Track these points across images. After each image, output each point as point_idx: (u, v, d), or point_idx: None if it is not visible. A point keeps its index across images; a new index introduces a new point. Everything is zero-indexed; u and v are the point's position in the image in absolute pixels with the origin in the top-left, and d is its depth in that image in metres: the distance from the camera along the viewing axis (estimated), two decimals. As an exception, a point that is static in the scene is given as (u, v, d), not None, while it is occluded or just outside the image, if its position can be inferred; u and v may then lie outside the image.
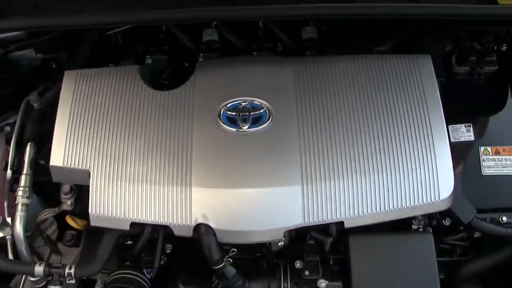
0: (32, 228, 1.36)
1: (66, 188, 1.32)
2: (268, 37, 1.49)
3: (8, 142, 1.44)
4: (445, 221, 1.29)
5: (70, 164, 1.21)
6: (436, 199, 1.15)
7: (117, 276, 1.21)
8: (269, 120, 1.20)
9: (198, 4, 1.25)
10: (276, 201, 1.13)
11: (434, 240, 1.17)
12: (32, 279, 1.29)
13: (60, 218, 1.46)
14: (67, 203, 1.32)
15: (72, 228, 1.41)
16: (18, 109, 1.44)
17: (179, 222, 1.13)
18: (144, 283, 1.21)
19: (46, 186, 1.39)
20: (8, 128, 1.45)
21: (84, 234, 1.39)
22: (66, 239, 1.42)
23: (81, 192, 1.33)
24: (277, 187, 1.13)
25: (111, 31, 1.59)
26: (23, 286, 1.38)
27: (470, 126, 1.35)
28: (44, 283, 1.30)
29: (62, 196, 1.33)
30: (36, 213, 1.37)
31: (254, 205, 1.13)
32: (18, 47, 1.48)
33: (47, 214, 1.36)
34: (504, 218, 1.29)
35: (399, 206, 1.14)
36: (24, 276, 1.39)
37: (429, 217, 1.29)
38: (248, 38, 1.50)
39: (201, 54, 1.44)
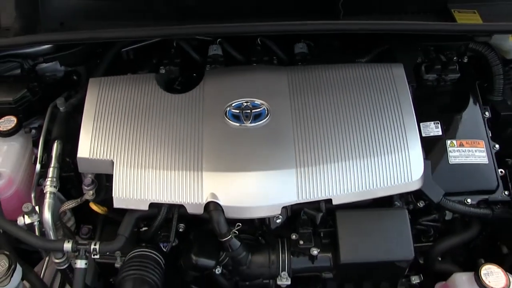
0: (56, 220, 1.53)
1: (88, 180, 1.50)
2: (265, 52, 1.72)
3: (34, 144, 1.64)
4: (419, 203, 1.50)
5: (96, 155, 1.39)
6: (409, 180, 1.36)
7: (135, 253, 1.39)
8: (268, 117, 1.42)
9: (204, 21, 1.49)
10: (274, 182, 1.32)
11: (408, 216, 1.37)
12: (56, 260, 1.44)
13: (77, 212, 1.65)
14: (89, 194, 1.49)
15: (91, 219, 1.59)
16: (43, 114, 1.64)
17: (192, 201, 1.32)
18: (159, 259, 1.39)
19: (67, 181, 1.58)
20: (34, 131, 1.64)
21: (99, 228, 1.57)
22: (83, 232, 1.59)
23: (101, 184, 1.52)
24: (275, 170, 1.34)
25: (126, 48, 1.81)
26: (46, 267, 1.56)
27: (438, 123, 1.57)
28: (66, 265, 1.47)
29: (84, 187, 1.50)
30: (58, 207, 1.54)
31: (256, 185, 1.32)
32: (45, 60, 1.70)
33: (71, 204, 1.53)
34: (469, 200, 1.50)
35: (378, 186, 1.34)
36: (46, 261, 1.57)
37: (407, 202, 1.50)
38: (248, 52, 1.72)
39: (208, 66, 1.66)
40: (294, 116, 1.42)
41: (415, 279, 1.51)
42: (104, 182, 1.52)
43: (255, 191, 1.32)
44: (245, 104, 1.44)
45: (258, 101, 1.44)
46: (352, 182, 1.34)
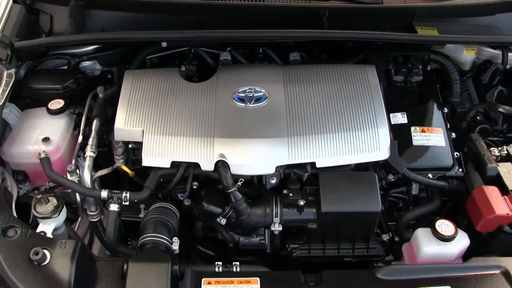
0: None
1: (119, 151, 1.85)
2: (265, 59, 2.12)
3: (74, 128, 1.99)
4: (389, 177, 1.84)
5: (130, 125, 1.75)
6: (377, 150, 1.71)
7: (155, 206, 1.72)
8: (266, 100, 1.80)
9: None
10: (270, 146, 1.68)
11: (377, 179, 1.70)
12: (91, 213, 1.78)
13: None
14: (120, 161, 1.84)
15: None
16: (82, 104, 2.02)
17: (205, 160, 1.66)
18: (175, 211, 1.71)
19: (100, 156, 1.91)
20: (75, 116, 2.01)
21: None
22: (117, 153, 1.83)
23: (128, 157, 1.86)
24: (271, 138, 1.69)
25: (150, 56, 2.21)
26: (80, 222, 1.88)
27: (404, 113, 1.94)
28: (98, 218, 1.80)
29: (116, 157, 1.85)
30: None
31: (256, 149, 1.68)
32: (88, 58, 2.10)
33: (104, 171, 1.86)
34: (430, 175, 1.84)
35: (353, 154, 1.69)
36: (79, 221, 1.89)
37: (379, 178, 1.84)
38: (251, 59, 2.12)
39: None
40: (287, 100, 1.80)
41: (385, 237, 1.82)
42: (131, 156, 1.86)
43: (255, 153, 1.67)
44: (249, 90, 1.82)
45: (259, 89, 1.83)
46: (332, 150, 1.69)
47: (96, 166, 1.88)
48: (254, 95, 1.81)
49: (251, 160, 1.66)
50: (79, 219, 1.90)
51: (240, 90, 1.82)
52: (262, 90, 1.82)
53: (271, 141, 1.69)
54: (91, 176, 1.77)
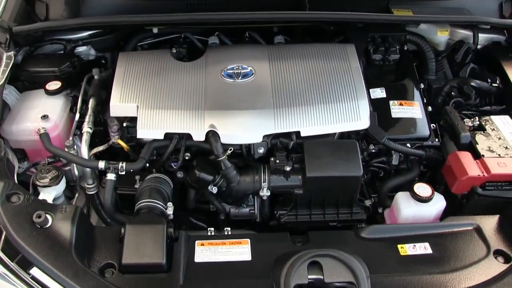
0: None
1: (114, 128, 1.94)
2: (252, 42, 2.24)
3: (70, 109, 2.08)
4: (370, 147, 1.95)
5: (124, 101, 1.86)
6: (358, 120, 1.83)
7: (150, 176, 1.82)
8: (253, 76, 1.92)
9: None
10: (257, 117, 1.79)
11: (358, 146, 1.81)
12: (87, 186, 1.87)
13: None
14: (115, 137, 1.94)
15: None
16: (78, 87, 2.11)
17: (197, 131, 1.77)
18: (169, 182, 1.81)
19: (96, 135, 2.00)
20: (71, 98, 2.11)
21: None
22: (113, 130, 1.91)
23: (122, 134, 1.96)
24: (258, 109, 1.81)
25: (141, 43, 2.32)
26: (77, 199, 1.96)
27: (383, 89, 2.06)
28: (95, 191, 1.89)
29: (111, 133, 1.95)
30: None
31: (244, 119, 1.79)
32: (83, 43, 2.20)
33: (100, 148, 1.95)
34: (408, 145, 1.95)
35: (335, 123, 1.81)
36: (76, 196, 1.97)
37: (361, 149, 1.95)
38: (238, 42, 2.24)
39: None
40: (272, 76, 1.92)
41: (367, 202, 1.93)
42: (125, 134, 1.96)
43: (243, 123, 1.78)
44: (236, 67, 1.94)
45: (246, 66, 1.95)
46: (315, 120, 1.80)
47: (92, 145, 1.95)
48: (242, 71, 1.92)
49: (240, 130, 1.77)
50: (76, 195, 1.98)
51: (228, 67, 1.94)
52: (249, 67, 1.94)
53: (258, 112, 1.80)
54: (88, 152, 1.86)
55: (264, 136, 1.79)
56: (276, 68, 1.94)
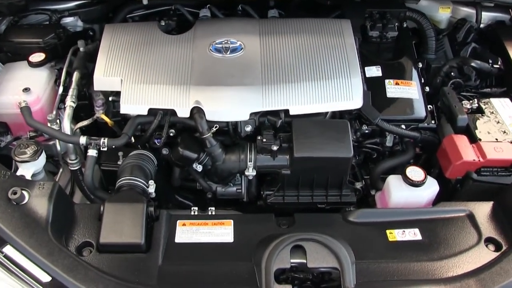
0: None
1: (99, 102, 1.89)
2: (244, 16, 2.15)
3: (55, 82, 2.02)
4: (363, 127, 1.88)
5: (108, 75, 1.78)
6: (350, 99, 1.75)
7: (133, 153, 1.76)
8: (242, 50, 1.84)
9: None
10: (245, 93, 1.71)
11: (349, 126, 1.73)
12: (70, 161, 1.81)
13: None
14: (100, 112, 1.88)
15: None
16: (64, 59, 2.04)
17: (181, 107, 1.70)
18: (152, 158, 1.75)
19: (82, 109, 1.95)
20: (56, 71, 2.03)
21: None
22: (97, 105, 1.85)
23: (108, 109, 1.89)
24: (245, 86, 1.73)
25: (131, 14, 2.24)
26: (59, 178, 1.91)
27: (379, 67, 1.98)
28: (78, 166, 1.84)
29: (96, 108, 1.89)
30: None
31: (230, 95, 1.71)
32: (69, 14, 2.12)
33: (85, 122, 1.89)
34: (403, 126, 1.88)
35: (326, 102, 1.73)
36: (60, 172, 1.92)
37: (355, 130, 1.88)
38: (230, 16, 2.15)
39: None
40: (262, 51, 1.84)
41: (358, 184, 1.87)
42: (111, 108, 1.90)
43: (230, 99, 1.71)
44: (225, 41, 1.86)
45: (235, 40, 1.86)
46: (306, 98, 1.73)
47: (78, 119, 1.90)
48: (230, 46, 1.84)
49: (226, 107, 1.70)
50: (60, 170, 1.93)
51: (216, 41, 1.86)
52: (238, 41, 1.86)
53: (246, 88, 1.72)
54: (72, 126, 1.80)
55: (251, 114, 1.72)
56: (267, 43, 1.86)
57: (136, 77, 1.76)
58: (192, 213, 1.70)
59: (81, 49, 2.00)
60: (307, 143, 1.68)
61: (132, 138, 1.81)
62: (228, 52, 1.82)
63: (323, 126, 1.72)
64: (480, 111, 1.88)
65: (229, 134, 1.79)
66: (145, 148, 1.81)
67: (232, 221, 1.58)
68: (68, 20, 2.15)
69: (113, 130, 1.87)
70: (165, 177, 1.88)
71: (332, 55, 1.83)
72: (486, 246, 1.50)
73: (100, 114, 1.86)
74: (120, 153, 1.79)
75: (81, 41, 2.00)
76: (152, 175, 1.70)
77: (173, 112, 1.72)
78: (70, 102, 1.81)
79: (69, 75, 1.94)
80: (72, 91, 1.84)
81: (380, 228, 1.58)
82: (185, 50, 1.84)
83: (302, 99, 1.73)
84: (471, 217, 1.60)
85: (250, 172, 1.71)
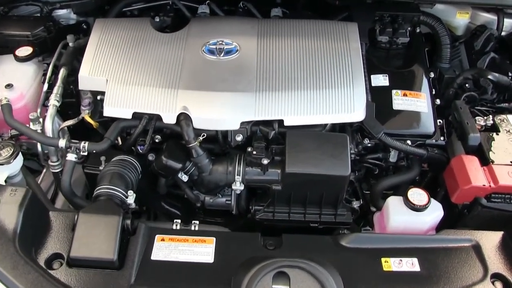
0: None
1: (86, 101, 1.78)
2: (246, 14, 2.01)
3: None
4: (365, 141, 1.73)
5: (94, 74, 1.68)
6: (351, 111, 1.61)
7: (116, 158, 1.65)
8: (237, 53, 1.70)
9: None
10: (236, 101, 1.59)
11: (349, 141, 1.60)
12: (52, 163, 1.72)
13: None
14: (85, 112, 1.77)
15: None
16: (53, 53, 1.94)
17: (167, 112, 1.58)
18: (136, 164, 1.64)
19: (69, 107, 1.85)
20: (45, 65, 1.93)
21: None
22: (84, 104, 1.76)
23: (96, 108, 1.79)
24: (238, 92, 1.60)
25: (128, 8, 2.12)
26: (42, 179, 1.82)
27: (386, 76, 1.83)
28: (60, 169, 1.74)
29: (82, 108, 1.79)
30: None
31: (221, 102, 1.59)
32: (61, 6, 2.01)
33: (70, 122, 1.79)
34: (408, 142, 1.72)
35: (324, 113, 1.59)
36: (43, 173, 1.83)
37: (356, 143, 1.74)
38: (231, 14, 2.02)
39: None
40: (259, 54, 1.70)
41: (356, 204, 1.72)
42: (99, 108, 1.79)
43: (220, 107, 1.59)
44: (220, 42, 1.73)
45: (230, 41, 1.73)
46: (302, 108, 1.59)
47: (66, 117, 1.81)
48: (225, 47, 1.71)
49: (215, 114, 1.58)
50: (44, 170, 1.84)
51: (210, 42, 1.73)
52: (234, 43, 1.73)
53: (237, 95, 1.60)
54: (57, 126, 1.71)
55: (242, 123, 1.59)
56: (265, 45, 1.72)
57: (122, 78, 1.65)
58: (174, 226, 1.59)
59: (70, 44, 1.89)
60: (301, 158, 1.54)
61: (120, 140, 1.71)
62: (222, 54, 1.69)
63: (320, 140, 1.59)
64: (495, 129, 1.71)
65: (218, 142, 1.67)
66: (131, 153, 1.71)
67: (214, 239, 1.46)
68: (60, 12, 2.05)
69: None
70: (152, 184, 1.77)
71: (335, 62, 1.69)
72: (493, 283, 1.37)
73: (85, 114, 1.75)
74: (103, 158, 1.69)
75: (70, 36, 1.90)
76: (133, 184, 1.59)
77: (159, 117, 1.60)
78: (53, 101, 1.72)
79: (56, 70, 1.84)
80: (56, 89, 1.74)
81: (375, 256, 1.45)
82: (177, 50, 1.72)
83: (299, 109, 1.59)
84: (477, 249, 1.46)
85: (237, 187, 1.59)
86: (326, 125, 1.66)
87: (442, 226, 1.59)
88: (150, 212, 1.94)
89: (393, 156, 1.78)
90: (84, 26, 2.10)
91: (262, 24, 1.81)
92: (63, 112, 1.82)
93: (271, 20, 1.84)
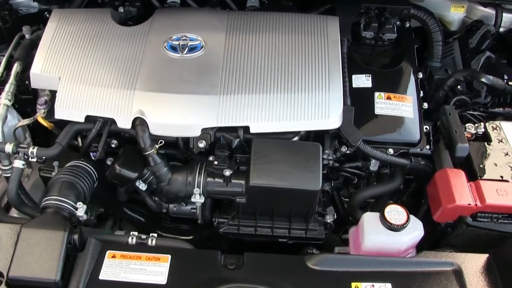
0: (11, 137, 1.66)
1: (41, 100, 1.64)
2: (219, 3, 1.84)
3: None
4: (342, 148, 1.58)
5: (46, 72, 1.53)
6: (326, 118, 1.45)
7: (69, 164, 1.52)
8: (202, 50, 1.55)
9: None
10: (197, 105, 1.44)
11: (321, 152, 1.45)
12: (3, 167, 1.59)
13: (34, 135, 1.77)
14: (41, 112, 1.63)
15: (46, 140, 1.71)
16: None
17: (122, 116, 1.44)
18: (91, 171, 1.51)
19: (26, 103, 1.71)
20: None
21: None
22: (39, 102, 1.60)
23: (53, 105, 1.65)
24: (200, 95, 1.45)
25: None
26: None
27: (369, 76, 1.66)
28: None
29: (38, 106, 1.64)
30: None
31: (180, 106, 1.44)
32: (20, -6, 1.86)
33: (25, 121, 1.66)
34: (390, 150, 1.57)
35: (296, 120, 1.44)
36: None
37: (334, 149, 1.59)
38: (203, 4, 1.85)
39: None
40: (226, 51, 1.54)
41: (329, 218, 1.58)
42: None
43: (179, 111, 1.44)
44: (184, 38, 1.57)
45: (195, 36, 1.57)
46: (271, 113, 1.44)
47: (25, 115, 1.67)
48: (189, 43, 1.55)
49: (173, 120, 1.43)
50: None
51: (173, 38, 1.57)
52: (199, 38, 1.57)
53: (199, 98, 1.45)
54: (11, 126, 1.57)
55: (204, 129, 1.44)
56: (233, 42, 1.56)
57: (76, 77, 1.51)
58: (130, 240, 1.46)
59: (27, 36, 1.74)
60: (267, 170, 1.40)
61: (80, 141, 1.58)
62: (185, 51, 1.54)
63: (289, 149, 1.44)
64: (486, 138, 1.55)
65: (179, 149, 1.53)
66: (88, 157, 1.57)
67: (169, 256, 1.34)
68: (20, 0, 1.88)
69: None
70: (112, 189, 1.64)
71: (310, 61, 1.53)
72: (473, 314, 1.23)
73: (39, 114, 1.61)
74: (55, 163, 1.55)
75: (26, 27, 1.75)
76: (86, 193, 1.46)
77: (114, 121, 1.46)
78: (4, 100, 1.58)
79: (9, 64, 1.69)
80: (8, 87, 1.60)
81: (345, 280, 1.32)
82: (136, 46, 1.56)
83: (266, 115, 1.44)
84: (458, 273, 1.33)
85: (197, 199, 1.45)
86: (298, 132, 1.51)
87: (423, 243, 1.46)
88: (116, 216, 1.82)
89: (373, 165, 1.63)
90: (48, 15, 1.94)
91: (232, 17, 1.64)
92: (21, 110, 1.69)
93: (242, 13, 1.67)
